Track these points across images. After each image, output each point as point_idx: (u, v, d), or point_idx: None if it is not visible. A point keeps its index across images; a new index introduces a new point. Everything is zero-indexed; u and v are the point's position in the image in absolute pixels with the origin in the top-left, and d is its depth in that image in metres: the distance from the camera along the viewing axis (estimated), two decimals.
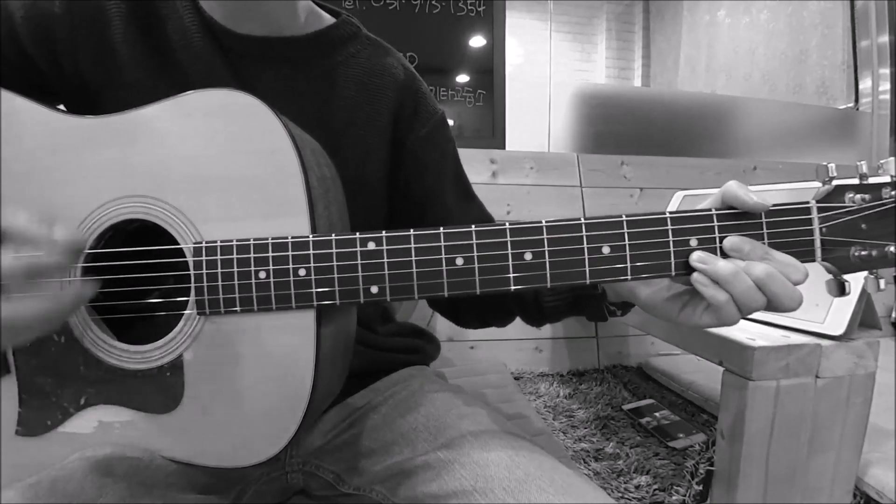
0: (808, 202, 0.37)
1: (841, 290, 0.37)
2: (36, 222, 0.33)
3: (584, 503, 0.40)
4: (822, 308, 0.75)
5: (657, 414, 1.13)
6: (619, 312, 0.50)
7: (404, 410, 0.54)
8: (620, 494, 0.84)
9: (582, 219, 0.37)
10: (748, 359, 0.68)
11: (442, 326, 1.37)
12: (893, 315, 1.47)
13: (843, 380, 0.71)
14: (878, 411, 0.76)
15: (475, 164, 1.48)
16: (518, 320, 0.62)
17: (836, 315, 0.73)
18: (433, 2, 1.63)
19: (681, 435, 1.01)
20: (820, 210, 0.37)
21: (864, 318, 0.75)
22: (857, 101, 2.12)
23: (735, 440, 0.71)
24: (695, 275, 0.37)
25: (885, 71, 2.03)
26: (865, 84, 2.09)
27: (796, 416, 0.71)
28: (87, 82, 0.50)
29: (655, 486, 0.85)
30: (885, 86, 2.03)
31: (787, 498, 0.73)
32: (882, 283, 0.37)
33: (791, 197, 0.93)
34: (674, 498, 0.82)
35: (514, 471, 0.43)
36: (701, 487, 0.80)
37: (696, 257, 0.36)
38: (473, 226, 0.38)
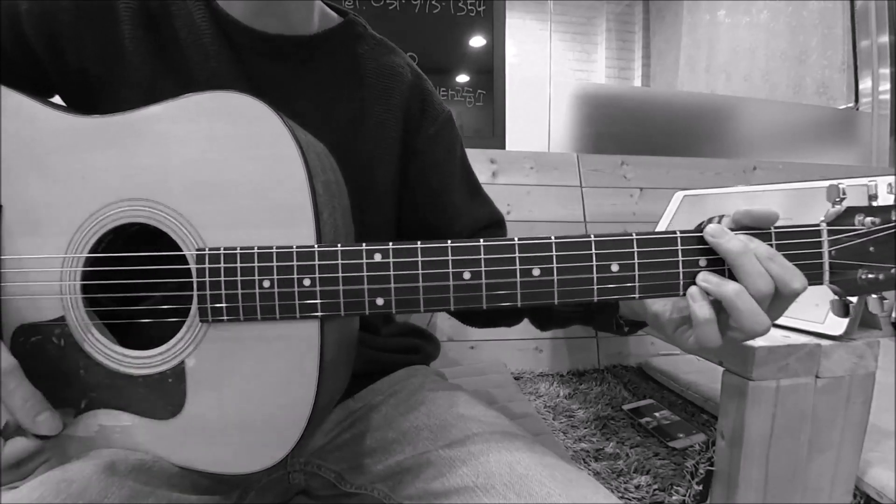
0: (818, 225, 0.37)
1: (845, 311, 0.37)
2: (28, 405, 0.37)
3: (584, 500, 0.40)
4: (822, 308, 0.75)
5: (657, 414, 1.13)
6: (627, 329, 0.51)
7: (405, 409, 0.55)
8: (620, 494, 0.84)
9: (592, 236, 0.37)
10: (748, 359, 0.68)
11: (442, 326, 1.37)
12: (893, 315, 1.47)
13: (843, 380, 0.71)
14: (878, 411, 0.76)
15: (475, 164, 1.46)
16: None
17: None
18: (433, 2, 1.63)
19: (681, 435, 1.01)
20: (830, 233, 0.37)
21: (864, 318, 0.75)
22: (857, 101, 2.12)
23: (735, 440, 0.71)
24: (691, 289, 0.37)
25: (885, 71, 2.03)
26: (865, 84, 2.10)
27: (796, 416, 0.71)
28: (90, 79, 0.49)
29: (655, 486, 0.85)
30: (885, 86, 2.03)
31: (787, 498, 0.73)
32: (886, 304, 0.37)
33: (791, 197, 0.93)
34: (674, 498, 0.82)
35: (515, 467, 0.43)
36: (701, 487, 0.80)
37: (702, 277, 0.36)
38: (482, 240, 0.37)
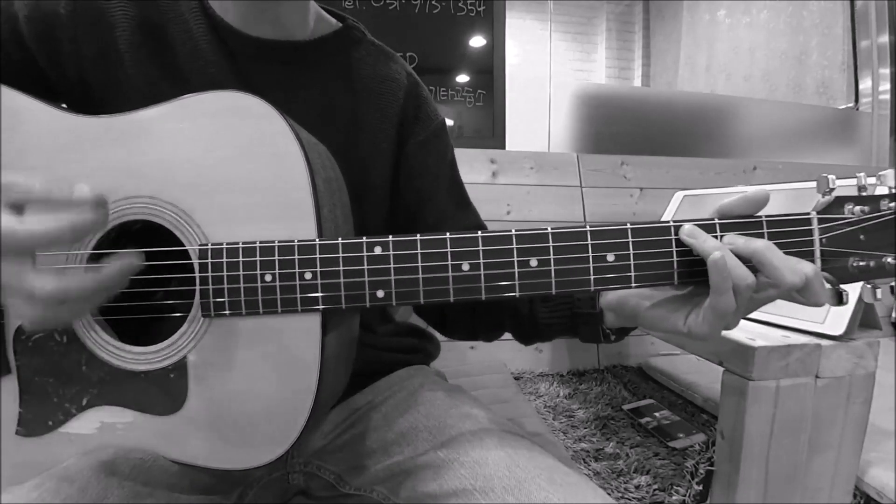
0: (808, 213, 0.38)
1: (839, 299, 0.38)
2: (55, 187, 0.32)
3: (583, 502, 0.40)
4: (822, 308, 0.75)
5: (657, 414, 1.13)
6: (614, 338, 0.51)
7: (404, 410, 0.55)
8: (620, 494, 0.84)
9: (587, 226, 0.38)
10: (748, 359, 0.69)
11: None
12: (893, 315, 1.47)
13: (843, 380, 0.71)
14: (878, 411, 0.76)
15: (475, 164, 1.48)
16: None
17: (836, 315, 0.74)
18: (433, 2, 1.63)
19: (681, 435, 1.02)
20: (820, 221, 0.37)
21: (864, 318, 0.75)
22: (857, 101, 2.13)
23: (735, 440, 0.71)
24: (685, 227, 0.37)
25: (885, 71, 2.03)
26: (865, 84, 2.10)
27: (796, 416, 0.71)
28: (89, 83, 0.50)
29: (655, 486, 0.85)
30: (885, 86, 2.03)
31: (787, 498, 0.73)
32: (878, 293, 0.38)
33: (791, 197, 0.93)
34: (674, 498, 0.82)
35: (514, 470, 0.43)
36: (701, 487, 0.80)
37: (728, 240, 0.37)
38: (480, 232, 0.38)
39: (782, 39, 2.57)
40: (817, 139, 2.00)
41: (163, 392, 0.40)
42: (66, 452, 0.41)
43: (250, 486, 0.53)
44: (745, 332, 0.74)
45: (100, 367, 0.40)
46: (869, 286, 0.38)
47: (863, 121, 2.04)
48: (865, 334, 0.74)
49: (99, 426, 0.41)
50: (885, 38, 2.04)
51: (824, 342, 0.71)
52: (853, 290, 0.38)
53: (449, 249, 0.38)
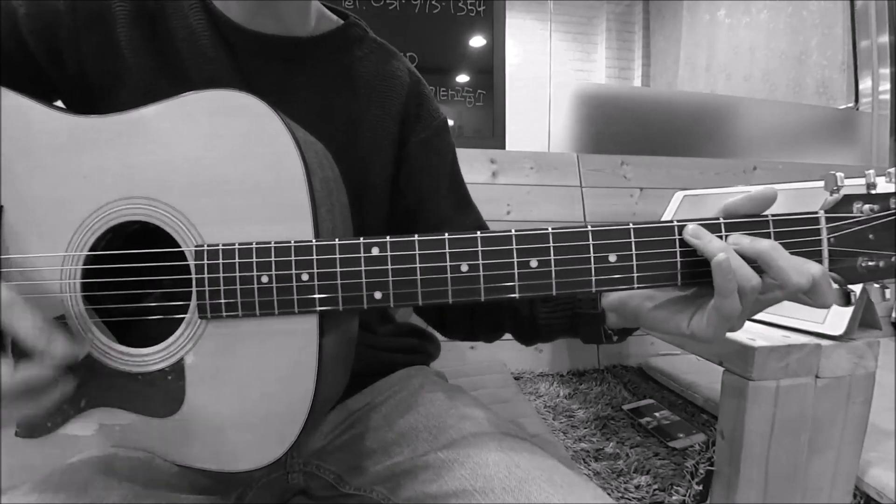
0: (816, 212, 0.37)
1: (846, 300, 0.37)
2: (38, 330, 0.35)
3: (583, 503, 0.40)
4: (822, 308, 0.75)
5: (657, 414, 1.13)
6: (616, 338, 0.50)
7: (404, 410, 0.55)
8: (620, 494, 0.84)
9: (588, 227, 0.37)
10: (748, 359, 0.69)
11: None
12: (893, 315, 1.47)
13: (843, 380, 0.71)
14: (878, 411, 0.76)
15: (475, 164, 1.48)
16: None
17: (836, 315, 0.74)
18: (433, 2, 1.63)
19: (681, 435, 1.02)
20: (828, 220, 0.36)
21: (864, 317, 0.75)
22: (857, 101, 2.13)
23: (735, 440, 0.71)
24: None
25: (885, 71, 2.03)
26: (865, 84, 2.10)
27: (796, 416, 0.71)
28: (88, 81, 0.50)
29: (655, 486, 0.85)
30: (885, 86, 2.03)
31: (787, 498, 0.73)
32: (888, 292, 0.37)
33: (792, 197, 0.93)
34: (674, 498, 0.82)
35: (514, 471, 0.43)
36: (701, 487, 0.80)
37: (733, 240, 0.36)
38: (479, 232, 0.37)
39: (782, 39, 2.57)
40: (817, 139, 2.00)
41: (160, 394, 0.39)
42: (65, 454, 0.41)
43: (250, 487, 0.53)
44: (745, 333, 0.73)
45: (97, 369, 0.40)
46: (877, 286, 0.37)
47: (863, 121, 2.04)
48: (865, 334, 0.74)
49: (97, 428, 0.41)
50: (885, 38, 2.04)
51: (824, 342, 0.71)
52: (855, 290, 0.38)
53: (447, 250, 0.37)
